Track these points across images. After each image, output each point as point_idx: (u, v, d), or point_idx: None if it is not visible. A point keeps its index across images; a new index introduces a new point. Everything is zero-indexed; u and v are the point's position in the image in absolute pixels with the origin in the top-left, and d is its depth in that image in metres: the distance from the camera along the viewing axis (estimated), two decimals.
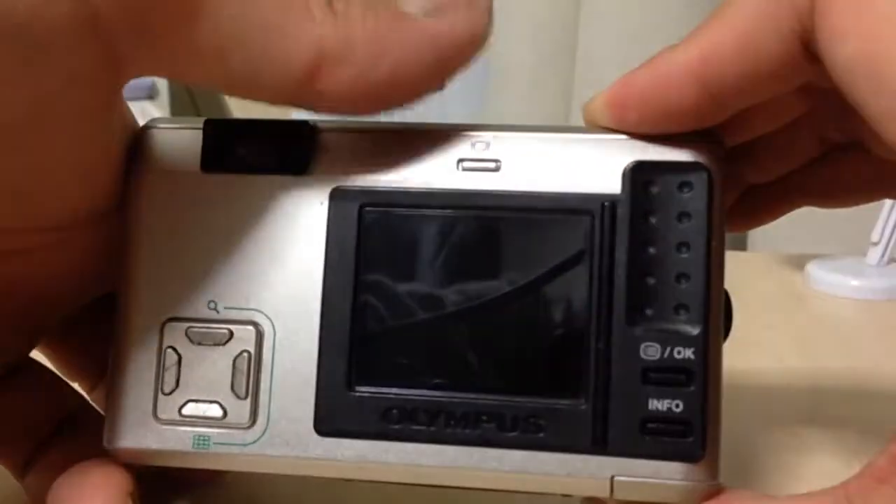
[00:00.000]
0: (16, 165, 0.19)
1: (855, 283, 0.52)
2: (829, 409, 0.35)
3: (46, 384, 0.26)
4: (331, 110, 0.21)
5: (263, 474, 0.23)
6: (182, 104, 1.25)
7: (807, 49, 0.21)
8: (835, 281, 0.52)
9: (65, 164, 0.21)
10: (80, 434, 0.25)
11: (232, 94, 0.21)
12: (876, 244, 0.54)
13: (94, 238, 0.24)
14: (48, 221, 0.22)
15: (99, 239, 0.24)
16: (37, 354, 0.27)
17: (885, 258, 0.54)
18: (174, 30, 0.19)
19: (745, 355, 0.41)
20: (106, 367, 0.23)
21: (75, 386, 0.27)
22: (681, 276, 0.22)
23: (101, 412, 0.27)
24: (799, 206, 0.29)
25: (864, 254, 0.54)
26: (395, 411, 0.22)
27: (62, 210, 0.22)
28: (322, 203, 0.23)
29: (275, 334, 0.23)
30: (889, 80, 0.19)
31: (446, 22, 0.21)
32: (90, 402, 0.27)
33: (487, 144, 0.23)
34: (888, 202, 0.53)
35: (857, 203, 0.28)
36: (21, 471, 0.25)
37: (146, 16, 0.18)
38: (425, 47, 0.21)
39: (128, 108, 0.23)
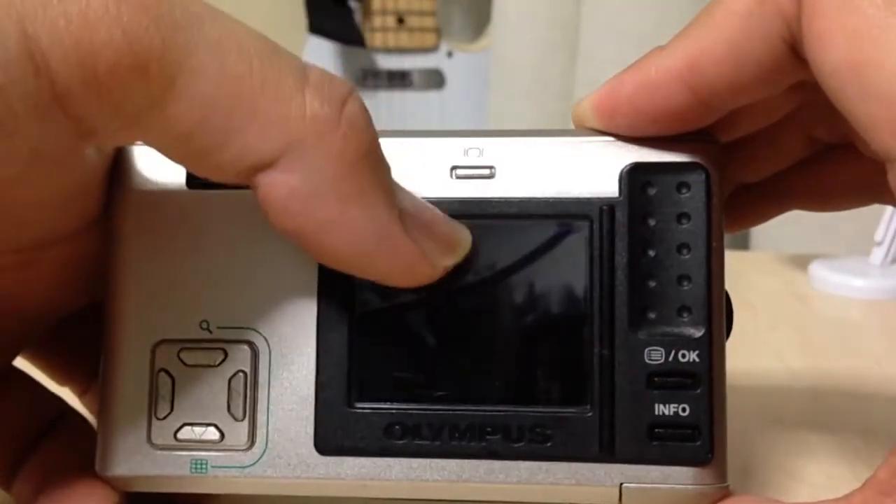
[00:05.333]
0: None
1: (858, 283, 0.51)
2: (832, 409, 0.35)
3: (28, 392, 0.26)
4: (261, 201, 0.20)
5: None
6: None
7: (794, 52, 0.21)
8: (838, 281, 0.52)
9: (35, 202, 0.20)
10: (65, 441, 0.25)
11: (184, 166, 0.20)
12: (879, 244, 0.53)
13: (70, 254, 0.23)
14: (19, 244, 0.21)
15: (76, 254, 0.23)
16: (21, 362, 0.26)
17: (889, 258, 0.53)
18: (144, 111, 0.18)
19: (747, 355, 0.40)
20: (97, 370, 0.23)
21: (66, 390, 0.27)
22: (682, 278, 0.22)
23: (91, 417, 0.26)
24: (790, 208, 0.29)
25: (868, 254, 0.54)
26: (397, 427, 0.22)
27: (34, 233, 0.21)
28: None
29: (270, 352, 0.22)
30: (875, 86, 0.18)
31: (406, 237, 0.20)
32: (74, 408, 0.26)
33: (481, 151, 0.23)
34: None
35: (846, 207, 0.28)
36: (7, 480, 0.24)
37: (116, 97, 0.18)
38: (370, 236, 0.20)
39: None
